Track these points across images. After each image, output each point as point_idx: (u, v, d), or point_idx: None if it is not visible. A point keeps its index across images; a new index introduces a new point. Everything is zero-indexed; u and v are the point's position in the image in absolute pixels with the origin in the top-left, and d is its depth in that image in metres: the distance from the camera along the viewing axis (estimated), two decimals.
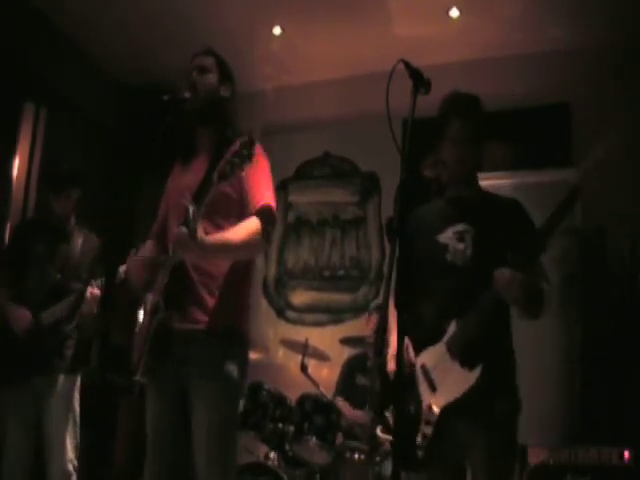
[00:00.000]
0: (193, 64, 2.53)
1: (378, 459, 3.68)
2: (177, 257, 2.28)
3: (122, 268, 3.07)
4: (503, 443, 2.33)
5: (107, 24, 5.05)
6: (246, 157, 2.15)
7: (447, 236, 2.50)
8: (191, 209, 2.11)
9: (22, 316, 3.33)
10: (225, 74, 2.55)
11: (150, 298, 2.40)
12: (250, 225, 2.31)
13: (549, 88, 4.85)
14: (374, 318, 4.56)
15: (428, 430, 2.33)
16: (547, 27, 4.68)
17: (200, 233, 2.13)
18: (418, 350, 2.47)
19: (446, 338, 2.38)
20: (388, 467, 3.66)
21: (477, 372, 2.28)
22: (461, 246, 2.46)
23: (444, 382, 2.36)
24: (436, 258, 2.49)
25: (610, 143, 2.29)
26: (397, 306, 2.04)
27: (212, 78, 2.51)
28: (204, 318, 2.34)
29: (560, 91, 4.82)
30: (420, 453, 2.32)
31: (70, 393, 3.43)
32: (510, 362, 2.44)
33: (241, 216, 2.36)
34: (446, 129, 2.53)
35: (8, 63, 4.63)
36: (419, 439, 2.34)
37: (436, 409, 2.34)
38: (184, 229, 2.11)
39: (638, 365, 4.03)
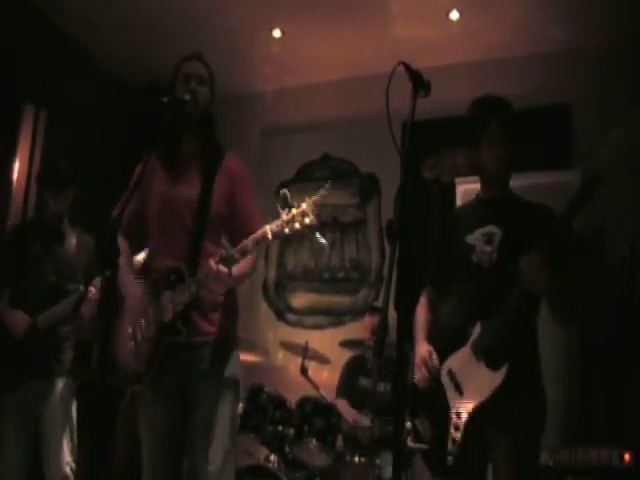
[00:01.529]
0: (190, 70, 2.55)
1: (378, 462, 3.68)
2: (207, 287, 2.34)
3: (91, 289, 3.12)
4: (525, 444, 2.33)
5: (107, 24, 5.05)
6: (305, 226, 2.32)
7: (475, 237, 2.51)
8: (232, 252, 2.28)
9: (19, 319, 3.32)
10: (213, 86, 2.60)
11: (151, 312, 2.40)
12: (253, 256, 2.43)
13: (549, 89, 4.85)
14: (369, 320, 4.56)
15: (457, 435, 2.33)
16: (547, 28, 4.68)
17: (233, 271, 2.29)
18: (444, 355, 2.48)
19: (471, 340, 2.39)
20: (388, 470, 3.66)
21: (503, 372, 2.29)
22: (488, 248, 2.47)
23: (471, 385, 2.36)
24: (463, 259, 2.51)
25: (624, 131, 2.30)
26: (397, 309, 2.03)
27: (207, 91, 2.55)
28: (211, 329, 2.43)
29: (560, 92, 4.81)
30: (450, 459, 2.32)
31: (68, 396, 3.42)
32: (535, 364, 2.45)
33: (230, 230, 2.52)
34: (483, 132, 2.53)
35: (8, 63, 4.62)
36: (449, 445, 2.34)
37: (465, 413, 2.34)
38: (225, 270, 2.25)
39: (638, 366, 4.02)
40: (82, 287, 3.39)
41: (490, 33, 4.83)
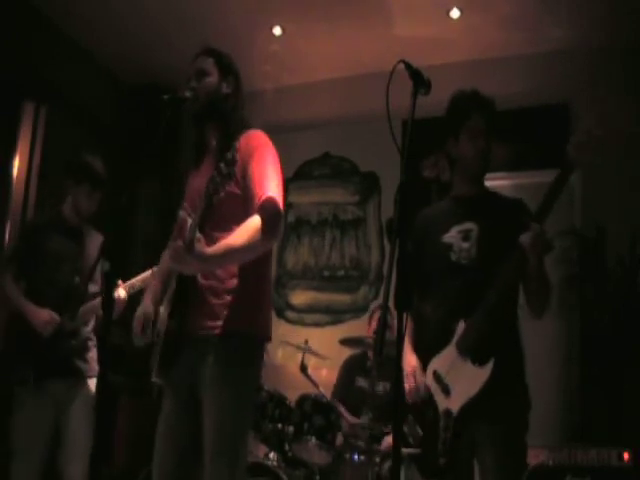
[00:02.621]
0: (193, 68, 2.50)
1: (378, 460, 3.68)
2: (176, 271, 2.26)
3: (120, 292, 3.08)
4: (511, 439, 2.32)
5: (107, 24, 5.05)
6: (234, 150, 2.14)
7: (451, 235, 2.50)
8: (189, 221, 2.05)
9: (49, 318, 3.21)
10: (225, 71, 2.51)
11: (165, 304, 2.41)
12: (250, 225, 2.21)
13: (549, 88, 4.85)
14: (377, 317, 4.53)
15: (447, 435, 2.32)
16: (547, 27, 4.68)
17: (198, 245, 2.05)
18: (428, 357, 2.47)
19: (455, 339, 2.38)
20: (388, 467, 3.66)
21: (489, 367, 2.28)
22: (466, 245, 2.46)
23: (458, 384, 2.35)
24: (441, 258, 2.50)
25: (603, 122, 2.29)
26: (397, 307, 2.03)
27: (211, 79, 2.47)
28: (210, 323, 2.29)
29: (560, 91, 4.82)
30: (442, 460, 2.31)
31: (92, 397, 3.32)
32: (519, 359, 2.45)
33: (248, 215, 2.27)
34: (464, 123, 2.52)
35: (8, 63, 4.62)
36: (440, 446, 2.33)
37: (453, 413, 2.33)
38: (179, 243, 2.04)
39: (637, 365, 4.03)
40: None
41: (490, 32, 4.83)
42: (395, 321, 2.15)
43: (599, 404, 4.11)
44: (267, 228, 2.22)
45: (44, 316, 3.21)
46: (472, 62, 5.09)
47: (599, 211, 4.46)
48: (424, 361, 2.50)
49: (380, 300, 4.83)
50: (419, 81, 2.00)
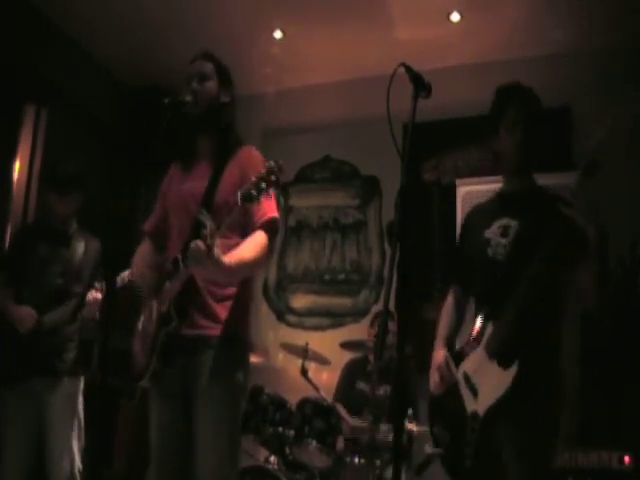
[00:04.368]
0: (193, 70, 2.51)
1: (378, 463, 3.68)
2: (190, 271, 2.27)
3: (124, 274, 3.08)
4: (535, 442, 2.26)
5: (108, 25, 5.05)
6: (274, 183, 2.13)
7: (492, 231, 2.46)
8: (209, 225, 2.07)
9: (26, 314, 3.31)
10: (224, 79, 2.54)
11: (155, 305, 2.40)
12: (258, 241, 2.33)
13: (550, 92, 4.83)
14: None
15: (474, 438, 2.30)
16: (548, 30, 4.67)
17: (217, 252, 2.11)
18: (460, 357, 2.45)
19: (485, 340, 2.35)
20: (389, 471, 3.66)
21: (514, 370, 2.24)
22: (503, 241, 2.41)
23: (485, 386, 2.32)
24: (479, 254, 2.46)
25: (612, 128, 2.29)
26: (397, 311, 2.03)
27: (212, 85, 2.50)
28: (210, 325, 2.35)
29: (562, 94, 4.81)
30: (468, 462, 2.29)
31: (74, 396, 3.41)
32: (551, 359, 2.36)
33: (244, 226, 2.38)
34: (502, 117, 2.50)
35: (8, 63, 4.63)
36: (466, 448, 2.31)
37: (480, 415, 2.31)
38: (201, 245, 2.07)
39: (637, 366, 4.02)
40: (86, 290, 3.38)
41: (491, 35, 4.83)
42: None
43: (599, 405, 4.10)
44: (271, 246, 2.39)
45: (21, 313, 3.31)
46: (472, 65, 5.09)
47: (599, 212, 4.45)
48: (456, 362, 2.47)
49: (381, 304, 4.83)
50: (420, 84, 2.00)
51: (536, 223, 2.35)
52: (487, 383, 2.31)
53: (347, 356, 4.49)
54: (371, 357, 4.26)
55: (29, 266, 3.43)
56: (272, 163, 2.16)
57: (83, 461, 3.46)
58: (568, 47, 4.80)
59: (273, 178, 2.13)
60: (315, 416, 3.80)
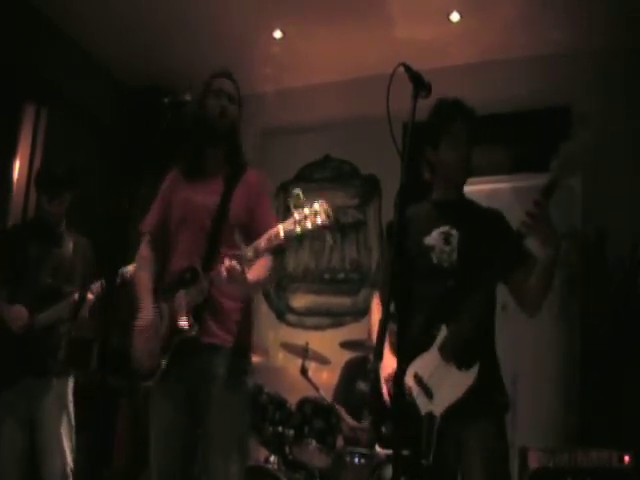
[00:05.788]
0: (219, 86, 2.62)
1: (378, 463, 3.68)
2: (218, 286, 2.37)
3: (128, 268, 3.10)
4: (497, 439, 2.36)
5: (108, 25, 5.05)
6: (317, 226, 2.19)
7: (433, 238, 2.52)
8: (244, 250, 2.30)
9: (18, 313, 3.33)
10: (241, 103, 2.69)
11: (166, 308, 2.46)
12: (270, 265, 2.51)
13: (550, 91, 4.85)
14: None
15: (430, 438, 2.33)
16: (548, 30, 4.67)
17: (247, 273, 2.31)
18: (408, 359, 2.45)
19: (438, 343, 2.38)
20: (388, 471, 3.66)
21: (474, 371, 2.30)
22: (447, 248, 2.48)
23: (441, 387, 2.35)
24: (422, 260, 2.50)
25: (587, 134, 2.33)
26: (397, 310, 2.04)
27: (236, 108, 2.65)
28: (225, 335, 2.47)
29: (561, 94, 4.81)
30: (425, 462, 2.31)
31: (64, 395, 3.42)
32: (497, 359, 2.49)
33: (248, 237, 2.48)
34: (446, 131, 2.54)
35: (8, 63, 4.63)
36: (423, 447, 2.33)
37: (437, 416, 2.33)
38: (238, 267, 2.25)
39: (637, 366, 4.02)
40: (79, 290, 3.39)
41: (490, 35, 4.83)
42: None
43: (599, 405, 4.10)
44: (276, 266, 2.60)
45: (13, 312, 3.33)
46: (472, 65, 5.09)
47: (599, 213, 4.46)
48: (405, 364, 2.46)
49: None
50: (419, 84, 2.01)
51: (476, 233, 2.48)
52: (445, 385, 2.35)
53: (347, 356, 4.49)
54: (371, 357, 4.26)
55: (21, 266, 3.44)
56: (326, 208, 2.19)
57: (82, 460, 3.47)
58: (568, 47, 4.80)
59: (319, 224, 2.18)
60: (315, 416, 3.81)
